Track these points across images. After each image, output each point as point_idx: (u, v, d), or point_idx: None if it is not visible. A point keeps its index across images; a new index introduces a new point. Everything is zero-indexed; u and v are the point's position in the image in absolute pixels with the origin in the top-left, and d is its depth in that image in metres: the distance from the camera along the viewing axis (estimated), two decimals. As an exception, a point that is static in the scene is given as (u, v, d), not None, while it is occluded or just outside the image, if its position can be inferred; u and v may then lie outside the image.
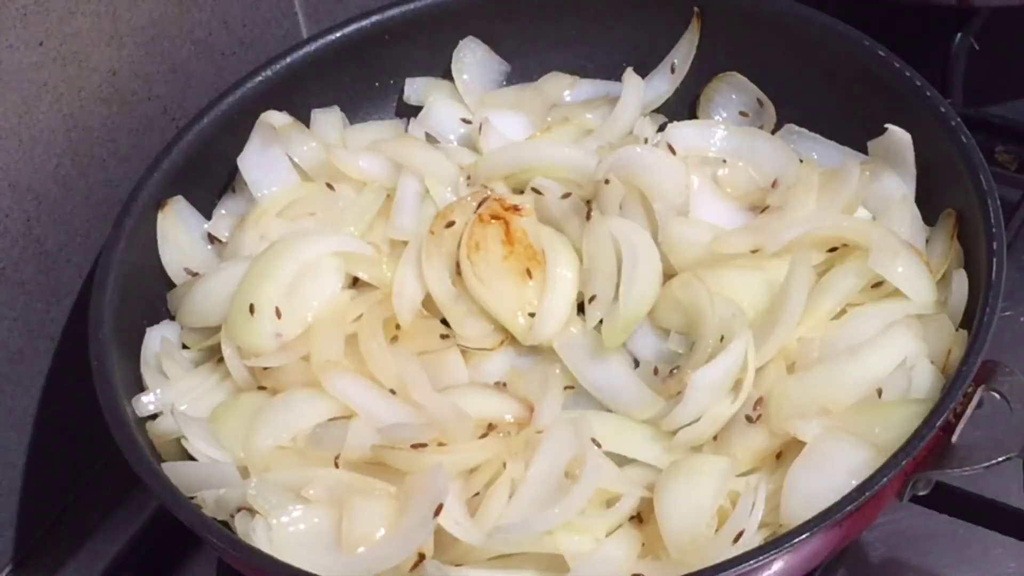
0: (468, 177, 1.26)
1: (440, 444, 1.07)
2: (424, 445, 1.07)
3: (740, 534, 1.01)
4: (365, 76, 1.35)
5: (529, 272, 1.18)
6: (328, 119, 1.32)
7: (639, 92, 1.32)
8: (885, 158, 1.22)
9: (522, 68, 1.37)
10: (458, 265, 1.19)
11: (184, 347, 1.20)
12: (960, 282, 1.12)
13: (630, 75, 1.32)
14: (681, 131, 1.26)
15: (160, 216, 1.22)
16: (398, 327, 1.16)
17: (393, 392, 1.12)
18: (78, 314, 1.22)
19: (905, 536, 1.18)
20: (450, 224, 1.20)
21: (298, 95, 1.30)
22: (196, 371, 1.18)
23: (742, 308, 1.12)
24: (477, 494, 1.07)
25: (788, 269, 1.13)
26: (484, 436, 1.09)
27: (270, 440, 1.10)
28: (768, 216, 1.19)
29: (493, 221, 1.19)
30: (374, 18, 1.32)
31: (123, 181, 1.24)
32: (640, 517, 1.07)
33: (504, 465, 1.07)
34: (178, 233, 1.23)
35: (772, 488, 1.04)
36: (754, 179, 1.24)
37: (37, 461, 1.24)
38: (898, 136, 1.20)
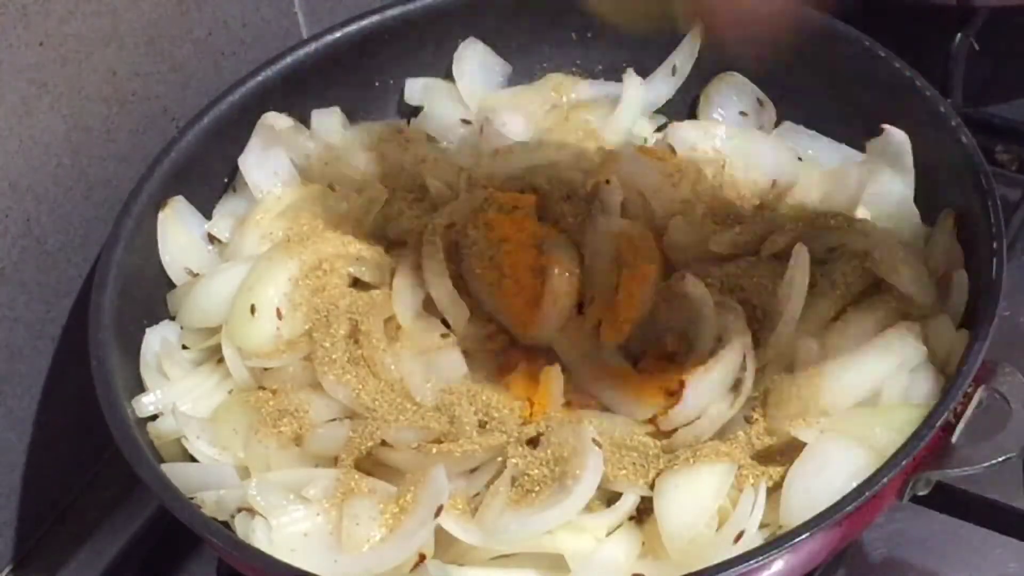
0: (468, 177, 1.26)
1: (440, 444, 1.08)
2: (424, 445, 1.07)
3: (740, 534, 1.01)
4: (365, 76, 1.35)
5: (529, 272, 1.18)
6: (328, 119, 1.32)
7: (639, 92, 1.32)
8: (884, 158, 1.22)
9: (522, 68, 1.37)
10: (458, 265, 1.19)
11: (184, 347, 1.20)
12: (960, 282, 1.12)
13: (630, 76, 1.32)
14: (681, 131, 1.27)
15: (160, 216, 1.22)
16: (398, 327, 1.16)
17: (393, 392, 1.12)
18: (78, 314, 1.22)
19: (905, 536, 1.18)
20: (450, 224, 1.20)
21: (298, 95, 1.30)
22: (196, 371, 1.18)
23: (741, 308, 1.12)
24: (477, 494, 1.07)
25: (788, 269, 1.13)
26: (483, 435, 1.09)
27: (270, 440, 1.10)
28: (768, 216, 1.19)
29: (493, 221, 1.19)
30: (374, 18, 1.33)
31: (123, 181, 1.24)
32: (640, 516, 1.07)
33: (504, 464, 1.07)
34: (178, 233, 1.23)
35: (772, 488, 1.05)
36: (754, 179, 1.24)
37: (37, 461, 1.24)
38: (896, 136, 1.21)
